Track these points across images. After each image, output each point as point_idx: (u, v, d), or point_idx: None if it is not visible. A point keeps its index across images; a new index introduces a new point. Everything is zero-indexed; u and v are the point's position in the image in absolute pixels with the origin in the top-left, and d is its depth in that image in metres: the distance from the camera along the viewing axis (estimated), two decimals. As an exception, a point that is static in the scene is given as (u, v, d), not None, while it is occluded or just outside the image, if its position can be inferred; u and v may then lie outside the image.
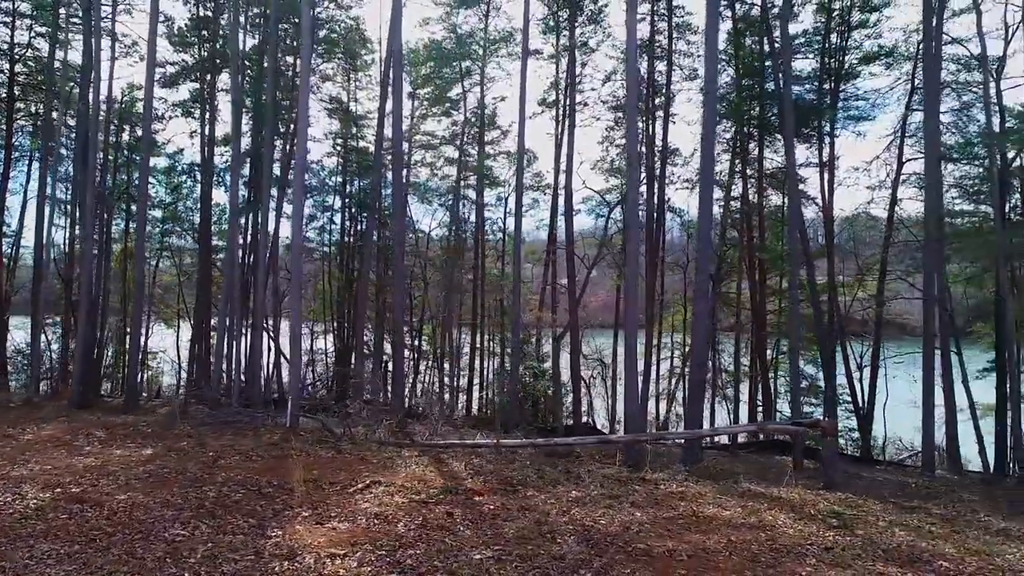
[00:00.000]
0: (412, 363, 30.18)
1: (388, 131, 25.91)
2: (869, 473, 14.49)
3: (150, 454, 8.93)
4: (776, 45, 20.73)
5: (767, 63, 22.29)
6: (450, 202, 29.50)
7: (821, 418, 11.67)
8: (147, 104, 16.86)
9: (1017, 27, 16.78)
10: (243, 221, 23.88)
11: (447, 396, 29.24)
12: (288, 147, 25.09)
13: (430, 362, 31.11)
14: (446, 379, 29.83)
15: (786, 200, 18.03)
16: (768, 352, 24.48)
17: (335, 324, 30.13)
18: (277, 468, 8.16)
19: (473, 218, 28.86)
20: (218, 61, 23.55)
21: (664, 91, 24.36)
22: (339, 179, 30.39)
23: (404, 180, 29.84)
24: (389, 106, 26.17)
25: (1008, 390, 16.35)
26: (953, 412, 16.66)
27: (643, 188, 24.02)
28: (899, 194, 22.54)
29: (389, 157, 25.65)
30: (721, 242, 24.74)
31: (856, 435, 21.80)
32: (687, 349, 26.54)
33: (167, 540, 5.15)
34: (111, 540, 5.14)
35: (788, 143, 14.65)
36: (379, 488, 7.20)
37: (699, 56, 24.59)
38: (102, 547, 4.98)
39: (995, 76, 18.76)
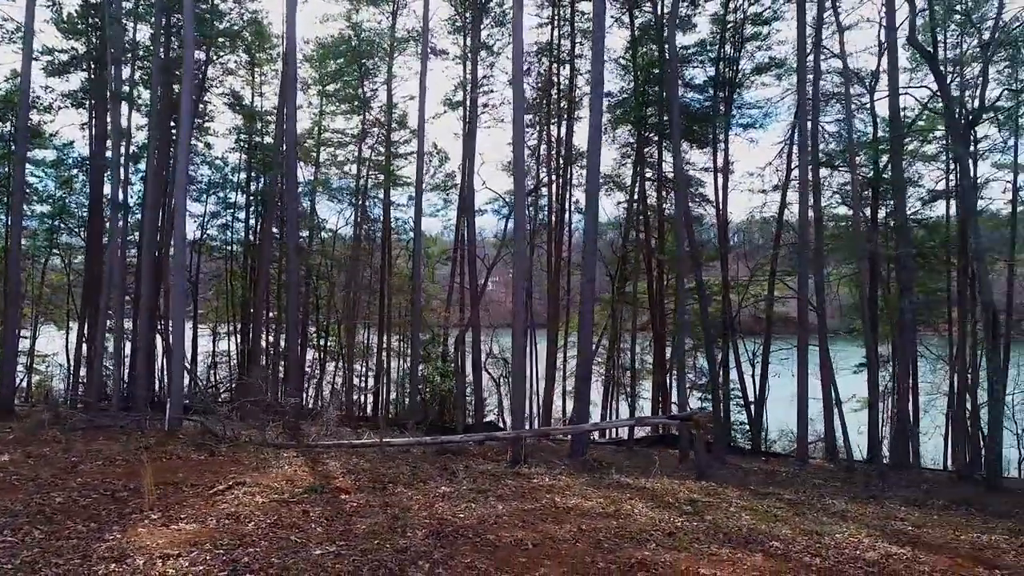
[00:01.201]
0: (318, 363, 29.72)
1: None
2: (750, 464, 15.26)
3: (4, 461, 8.47)
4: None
5: (667, 70, 23.12)
6: (358, 201, 29.23)
7: (695, 411, 12.21)
8: (24, 90, 15.97)
9: (884, 46, 17.95)
10: (139, 218, 22.92)
11: (355, 397, 28.98)
12: (187, 141, 24.33)
13: (338, 362, 30.72)
14: (354, 379, 29.56)
15: (674, 203, 18.65)
16: (667, 350, 25.34)
17: (239, 325, 29.32)
18: (140, 472, 7.90)
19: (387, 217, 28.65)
20: (111, 50, 22.53)
21: (568, 94, 24.87)
22: (243, 175, 29.62)
23: (314, 177, 29.53)
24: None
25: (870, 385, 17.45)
26: (830, 405, 17.71)
27: (546, 189, 24.49)
28: (788, 198, 23.82)
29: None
30: (624, 243, 25.51)
31: (748, 428, 22.88)
32: (595, 348, 27.18)
33: (-11, 547, 4.94)
34: (-75, 551, 4.89)
35: (675, 148, 15.22)
36: (242, 489, 7.10)
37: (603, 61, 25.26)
38: (-88, 558, 4.72)
39: (869, 88, 20.09)
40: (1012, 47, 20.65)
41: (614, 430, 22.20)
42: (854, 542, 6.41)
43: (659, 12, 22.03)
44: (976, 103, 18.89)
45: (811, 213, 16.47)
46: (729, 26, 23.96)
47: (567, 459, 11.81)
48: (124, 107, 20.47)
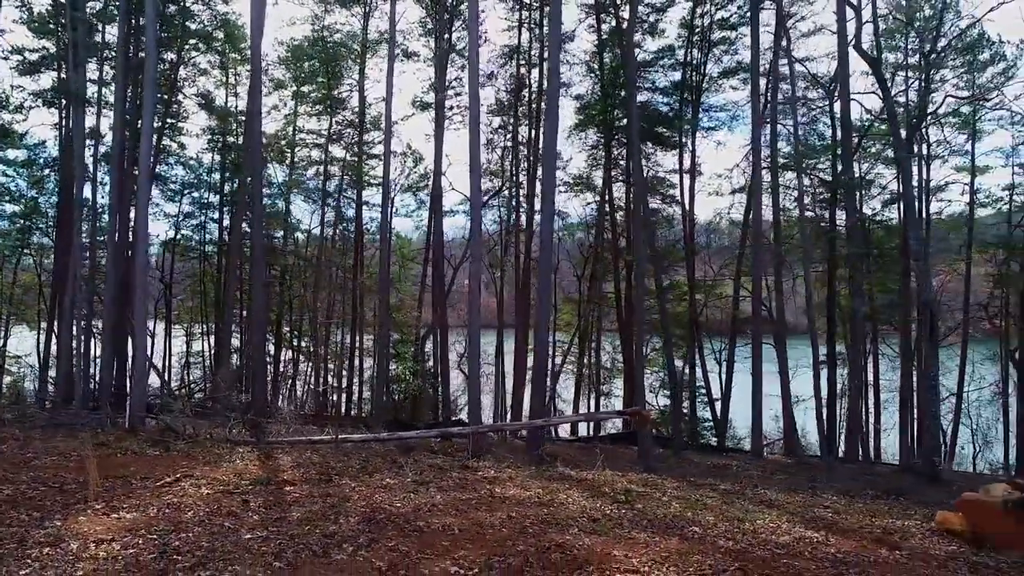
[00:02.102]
0: (292, 363, 29.92)
1: (265, 127, 25.66)
2: (708, 459, 15.66)
3: (-41, 457, 8.63)
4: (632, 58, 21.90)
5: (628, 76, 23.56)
6: (331, 202, 29.53)
7: (639, 407, 12.57)
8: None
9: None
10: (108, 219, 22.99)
11: (331, 396, 29.26)
12: (150, 142, 24.66)
13: (321, 362, 30.96)
14: (329, 379, 29.85)
15: (633, 204, 19.02)
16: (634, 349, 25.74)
17: (213, 326, 29.39)
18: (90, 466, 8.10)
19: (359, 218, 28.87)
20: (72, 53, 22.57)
21: (539, 96, 25.23)
22: (217, 176, 29.73)
23: (288, 177, 29.69)
24: (268, 102, 25.89)
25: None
26: (788, 402, 18.20)
27: (517, 190, 24.82)
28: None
29: (265, 153, 25.38)
30: (595, 243, 25.91)
31: (711, 425, 23.34)
32: (567, 347, 27.58)
33: (-72, 537, 5.15)
34: None
35: (634, 150, 15.58)
36: (189, 482, 7.33)
37: (572, 64, 25.72)
38: None
39: (828, 92, 20.62)
40: (969, 54, 21.36)
41: (579, 428, 22.57)
42: (772, 527, 6.77)
43: (625, 17, 22.39)
44: (929, 109, 19.53)
45: (769, 215, 16.88)
46: (696, 31, 24.45)
47: (523, 454, 12.13)
48: (95, 108, 20.58)
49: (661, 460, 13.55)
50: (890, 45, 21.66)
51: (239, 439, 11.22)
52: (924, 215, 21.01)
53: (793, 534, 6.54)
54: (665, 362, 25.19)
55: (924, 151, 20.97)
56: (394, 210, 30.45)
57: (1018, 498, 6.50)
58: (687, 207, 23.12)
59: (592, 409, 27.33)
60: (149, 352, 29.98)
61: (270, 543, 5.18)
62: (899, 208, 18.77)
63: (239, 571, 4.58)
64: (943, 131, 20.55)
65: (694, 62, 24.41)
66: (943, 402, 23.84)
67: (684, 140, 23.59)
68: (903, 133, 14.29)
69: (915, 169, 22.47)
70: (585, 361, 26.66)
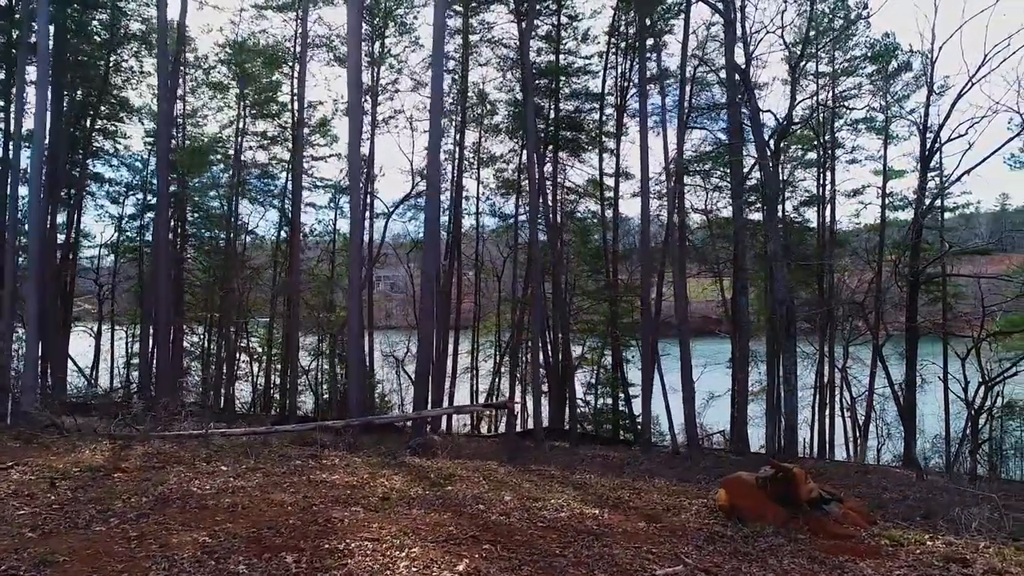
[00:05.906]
0: (234, 362, 30.35)
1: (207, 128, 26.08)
2: (596, 450, 16.34)
3: None
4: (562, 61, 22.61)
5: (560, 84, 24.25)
6: (278, 202, 29.98)
7: (506, 400, 13.17)
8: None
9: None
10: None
11: (272, 394, 29.80)
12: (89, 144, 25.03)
13: (264, 362, 31.38)
14: (273, 377, 30.37)
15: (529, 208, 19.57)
16: (572, 348, 26.40)
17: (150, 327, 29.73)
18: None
19: (307, 220, 29.43)
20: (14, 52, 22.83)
21: (482, 101, 25.93)
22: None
23: (234, 179, 30.05)
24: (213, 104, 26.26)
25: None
26: (691, 398, 18.87)
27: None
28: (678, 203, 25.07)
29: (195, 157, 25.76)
30: (522, 246, 26.52)
31: (626, 422, 24.06)
32: (506, 346, 28.16)
33: None
34: None
35: (529, 156, 16.18)
36: (19, 469, 7.76)
37: (504, 69, 26.35)
38: None
39: (743, 99, 21.39)
40: (879, 61, 22.30)
41: (499, 425, 23.13)
42: (559, 505, 7.28)
43: (554, 23, 23.19)
44: (837, 117, 20.40)
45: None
46: (624, 39, 25.17)
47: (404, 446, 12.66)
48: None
49: (546, 451, 14.12)
50: (809, 54, 22.53)
51: (120, 434, 11.62)
52: (830, 217, 21.86)
53: (573, 511, 7.06)
54: (601, 361, 26.03)
55: (826, 154, 21.83)
56: (338, 211, 31.24)
57: (769, 475, 7.13)
58: (605, 210, 23.81)
59: (527, 406, 27.88)
60: (94, 352, 30.45)
61: (38, 517, 5.66)
62: (762, 212, 19.54)
63: (-15, 539, 5.07)
64: (857, 137, 21.48)
65: (616, 67, 25.13)
66: (859, 397, 24.89)
67: (604, 144, 24.25)
68: (765, 140, 15.05)
69: (828, 173, 23.41)
70: (518, 359, 27.25)
